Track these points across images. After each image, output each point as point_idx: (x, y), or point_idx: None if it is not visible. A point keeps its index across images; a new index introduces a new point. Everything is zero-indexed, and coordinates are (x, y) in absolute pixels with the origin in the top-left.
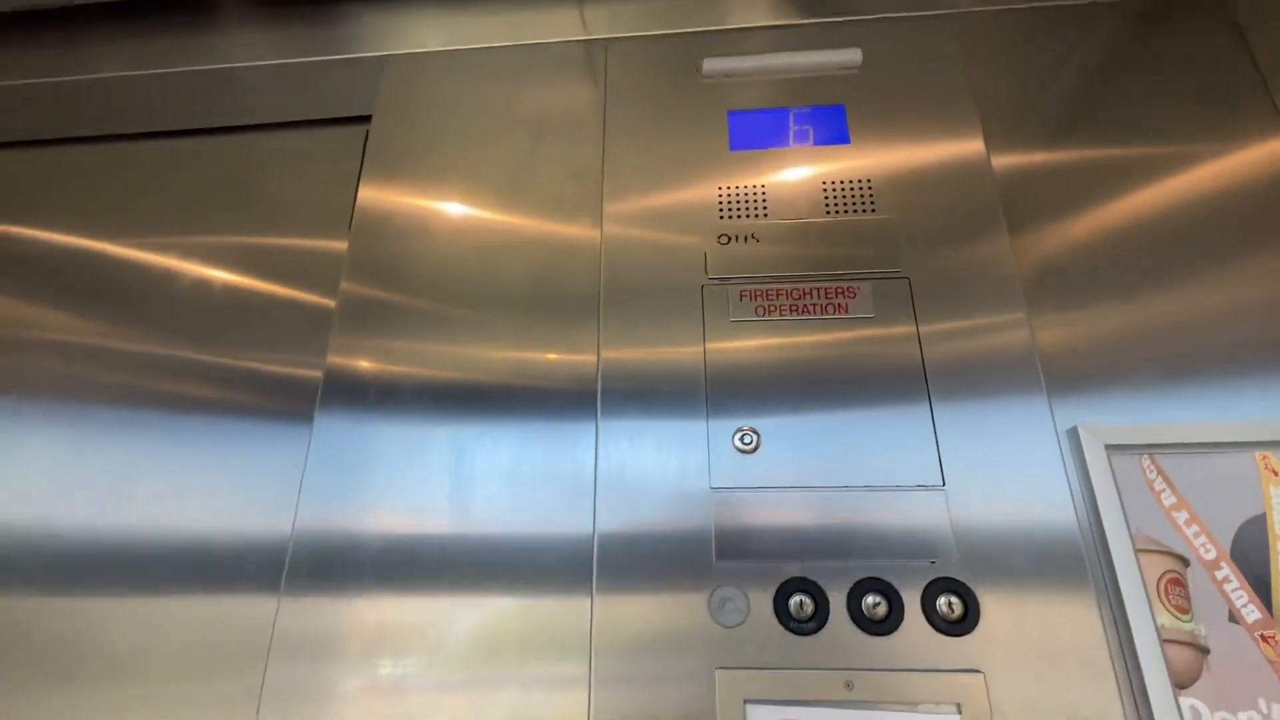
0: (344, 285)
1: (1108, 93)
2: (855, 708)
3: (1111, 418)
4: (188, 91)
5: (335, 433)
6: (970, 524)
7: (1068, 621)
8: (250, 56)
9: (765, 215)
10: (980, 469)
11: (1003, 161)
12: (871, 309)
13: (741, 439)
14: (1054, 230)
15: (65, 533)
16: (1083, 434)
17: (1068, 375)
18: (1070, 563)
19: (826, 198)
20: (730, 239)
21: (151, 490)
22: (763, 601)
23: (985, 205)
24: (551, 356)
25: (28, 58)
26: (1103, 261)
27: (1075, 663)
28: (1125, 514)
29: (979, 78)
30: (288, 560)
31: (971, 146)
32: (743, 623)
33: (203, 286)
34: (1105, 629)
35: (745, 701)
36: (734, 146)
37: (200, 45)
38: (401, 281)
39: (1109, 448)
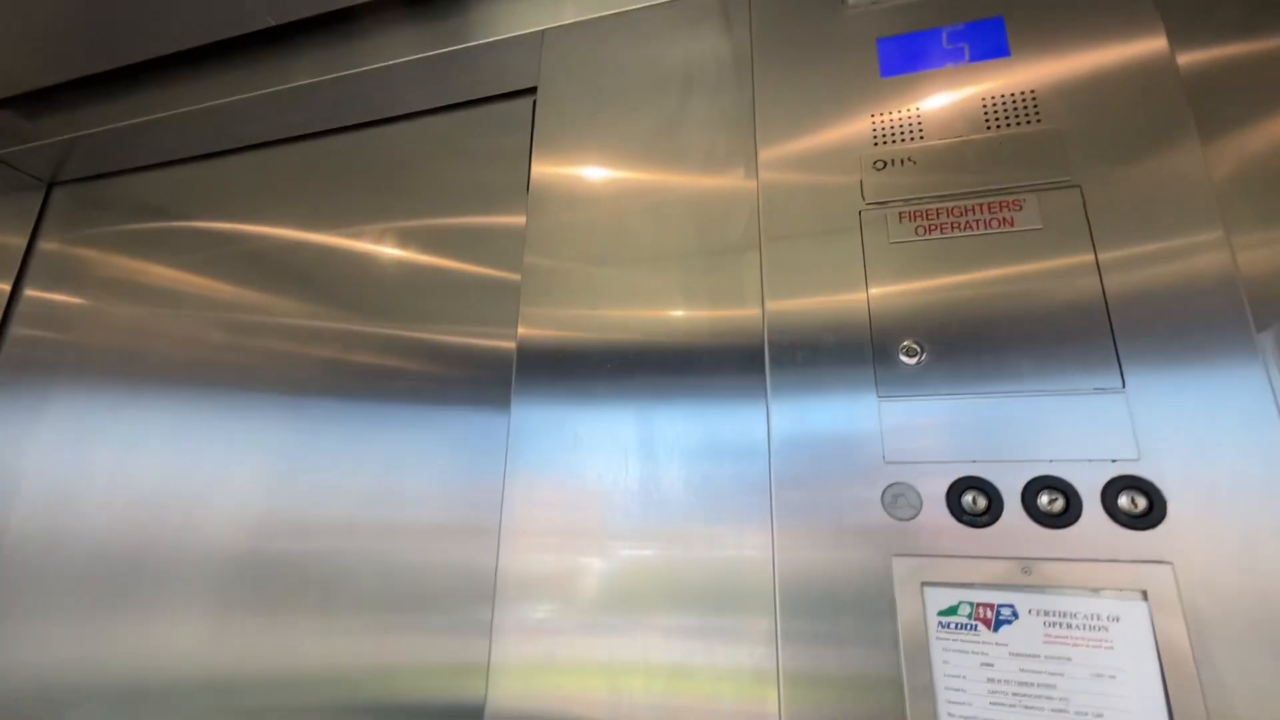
0: (527, 259)
1: None
2: (1034, 592)
3: None
4: (367, 88)
5: (531, 400)
6: (1154, 424)
7: (1271, 519)
8: (425, 48)
9: (921, 138)
10: (1165, 371)
11: (1190, 58)
12: (1039, 221)
13: (906, 352)
14: (1255, 132)
15: (292, 485)
16: None
17: (1273, 298)
18: (1274, 460)
19: (986, 113)
20: (886, 164)
21: (361, 452)
22: (935, 498)
23: (1169, 107)
24: (715, 311)
25: (237, 77)
26: None
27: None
28: None
29: None
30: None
31: (1151, 44)
32: (915, 517)
33: (396, 268)
34: None
35: (923, 584)
36: (885, 74)
37: (376, 45)
38: (575, 249)
39: None
